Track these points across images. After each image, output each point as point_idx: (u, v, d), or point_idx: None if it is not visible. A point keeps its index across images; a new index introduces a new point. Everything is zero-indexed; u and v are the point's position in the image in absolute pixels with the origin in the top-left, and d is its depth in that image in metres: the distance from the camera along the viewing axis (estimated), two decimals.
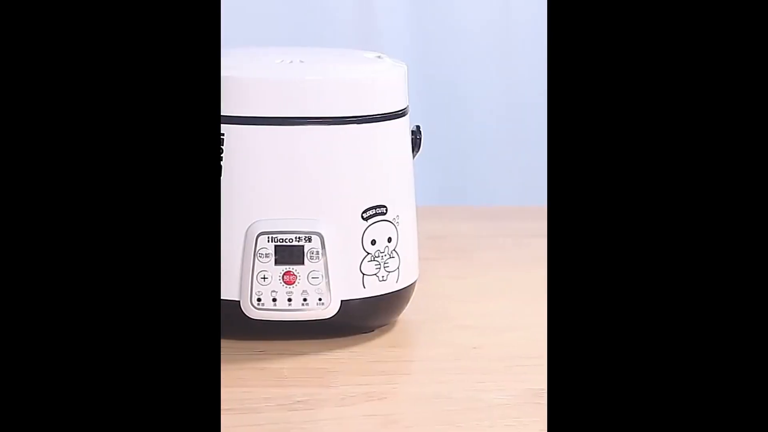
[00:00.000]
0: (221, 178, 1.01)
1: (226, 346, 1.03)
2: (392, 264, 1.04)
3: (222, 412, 0.91)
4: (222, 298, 1.02)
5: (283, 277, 1.01)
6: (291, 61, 1.05)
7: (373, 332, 1.07)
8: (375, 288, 1.04)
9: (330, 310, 1.02)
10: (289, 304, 1.02)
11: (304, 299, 1.02)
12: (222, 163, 1.01)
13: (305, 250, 1.01)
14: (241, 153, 1.01)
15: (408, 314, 1.09)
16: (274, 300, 1.01)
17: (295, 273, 1.01)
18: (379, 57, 1.09)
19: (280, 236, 1.01)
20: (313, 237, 1.01)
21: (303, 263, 1.01)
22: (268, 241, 1.01)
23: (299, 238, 1.01)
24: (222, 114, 1.01)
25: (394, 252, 1.04)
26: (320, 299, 1.02)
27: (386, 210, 1.04)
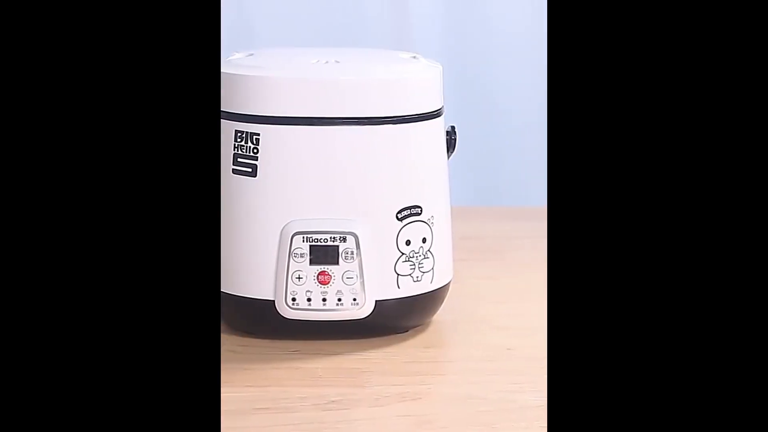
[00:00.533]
0: (256, 178, 1.01)
1: (261, 346, 1.03)
2: (427, 264, 1.05)
3: (257, 412, 0.92)
4: (257, 297, 1.02)
5: (317, 277, 1.01)
6: (326, 62, 1.05)
7: (407, 333, 1.07)
8: (409, 288, 1.04)
9: (364, 310, 1.02)
10: (324, 304, 1.02)
11: (339, 299, 1.02)
12: (257, 163, 1.01)
13: (340, 250, 1.01)
14: (276, 153, 1.01)
15: (442, 315, 1.09)
16: (309, 300, 1.02)
17: (330, 273, 1.01)
18: (414, 57, 1.10)
19: (315, 236, 1.01)
20: (348, 237, 1.01)
21: (338, 263, 1.01)
22: (303, 240, 1.01)
23: (334, 238, 1.01)
24: (257, 114, 1.01)
25: (428, 252, 1.04)
26: (355, 299, 1.02)
27: (421, 210, 1.04)
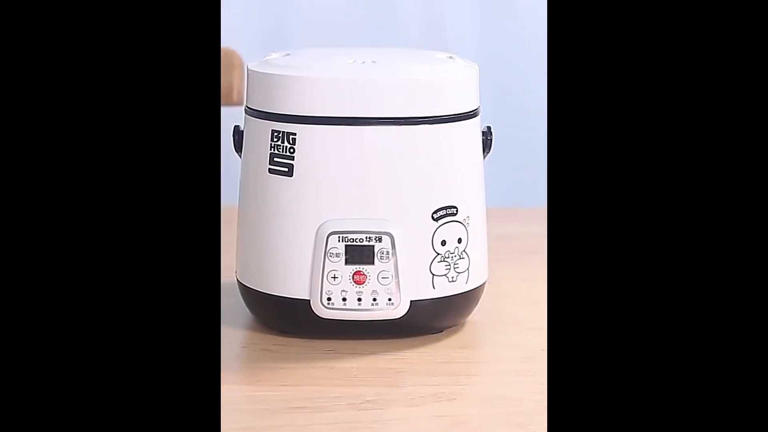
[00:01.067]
0: (293, 177, 1.01)
1: (297, 345, 1.03)
2: (462, 265, 1.04)
3: (292, 411, 0.92)
4: (292, 296, 1.03)
5: (353, 276, 1.01)
6: (363, 62, 1.05)
7: (442, 333, 1.07)
8: (444, 289, 1.04)
9: (399, 310, 1.02)
10: (359, 304, 1.02)
11: (374, 299, 1.02)
12: (294, 162, 1.01)
13: (375, 250, 1.01)
14: (312, 153, 1.01)
15: (477, 315, 1.09)
16: (344, 299, 1.02)
17: (365, 273, 1.01)
18: (450, 57, 1.10)
19: (350, 236, 1.01)
20: (384, 237, 1.01)
21: (373, 263, 1.01)
22: (339, 240, 1.01)
23: (370, 238, 1.01)
24: (294, 114, 1.01)
25: (464, 253, 1.04)
26: (390, 299, 1.02)
27: (457, 211, 1.04)
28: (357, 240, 1.01)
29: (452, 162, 1.03)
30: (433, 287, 1.03)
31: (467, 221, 1.04)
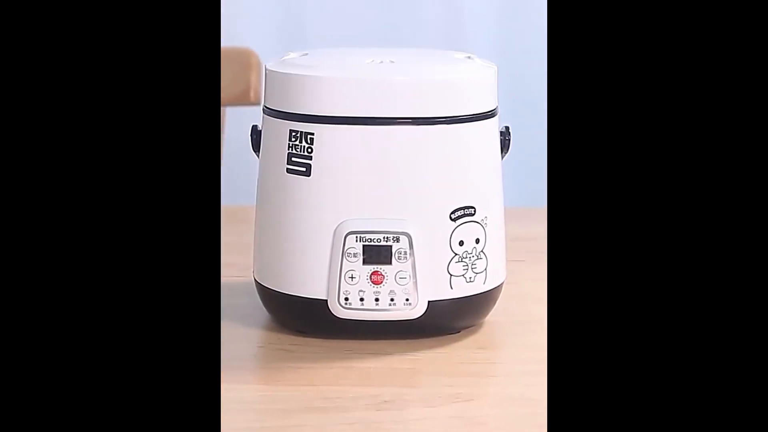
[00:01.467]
0: (310, 177, 1.01)
1: (314, 345, 1.03)
2: (480, 265, 1.04)
3: (310, 411, 0.92)
4: (309, 296, 1.03)
5: (370, 276, 1.01)
6: (381, 62, 1.05)
7: (459, 333, 1.07)
8: (462, 289, 1.04)
9: (417, 310, 1.02)
10: (377, 304, 1.02)
11: (392, 299, 1.02)
12: (311, 162, 1.01)
13: (393, 250, 1.01)
14: (330, 153, 1.01)
15: (495, 316, 1.09)
16: (362, 300, 1.02)
17: (383, 273, 1.01)
18: (469, 57, 1.09)
19: (368, 236, 1.01)
20: (402, 237, 1.01)
21: (391, 263, 1.01)
22: (357, 240, 1.01)
23: (387, 238, 1.01)
24: (312, 114, 1.01)
25: (481, 253, 1.04)
26: (407, 299, 1.02)
27: (474, 211, 1.03)
28: (375, 240, 1.01)
29: (470, 162, 1.03)
30: (451, 287, 1.03)
31: (485, 221, 1.04)
